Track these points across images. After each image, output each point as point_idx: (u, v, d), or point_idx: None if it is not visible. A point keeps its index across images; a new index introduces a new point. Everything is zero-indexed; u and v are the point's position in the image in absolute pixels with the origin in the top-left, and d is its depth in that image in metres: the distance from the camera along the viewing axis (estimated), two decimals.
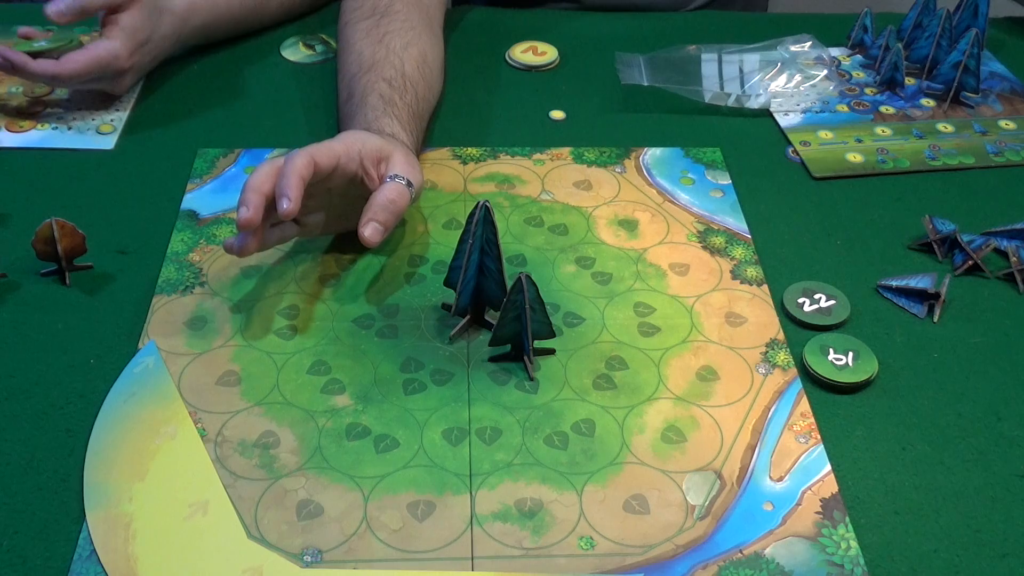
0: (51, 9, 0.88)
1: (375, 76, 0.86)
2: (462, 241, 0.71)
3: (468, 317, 0.73)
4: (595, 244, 0.82)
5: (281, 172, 0.69)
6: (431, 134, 0.94)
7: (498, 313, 0.69)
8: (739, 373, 0.71)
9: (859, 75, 1.05)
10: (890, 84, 1.02)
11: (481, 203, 0.68)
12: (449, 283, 0.74)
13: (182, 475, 0.63)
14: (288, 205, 0.68)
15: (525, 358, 0.71)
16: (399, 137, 0.80)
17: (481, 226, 0.69)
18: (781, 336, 0.74)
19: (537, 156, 0.91)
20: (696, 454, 0.66)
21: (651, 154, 0.92)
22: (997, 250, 0.82)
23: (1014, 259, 0.80)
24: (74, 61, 0.89)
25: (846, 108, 0.99)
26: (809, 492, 0.64)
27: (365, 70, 0.87)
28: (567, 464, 0.65)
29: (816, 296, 0.77)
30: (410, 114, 0.85)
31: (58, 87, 0.95)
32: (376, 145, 0.76)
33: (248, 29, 1.07)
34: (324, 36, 1.08)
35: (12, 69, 0.88)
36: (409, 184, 0.75)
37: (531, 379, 0.70)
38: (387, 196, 0.73)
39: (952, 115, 0.99)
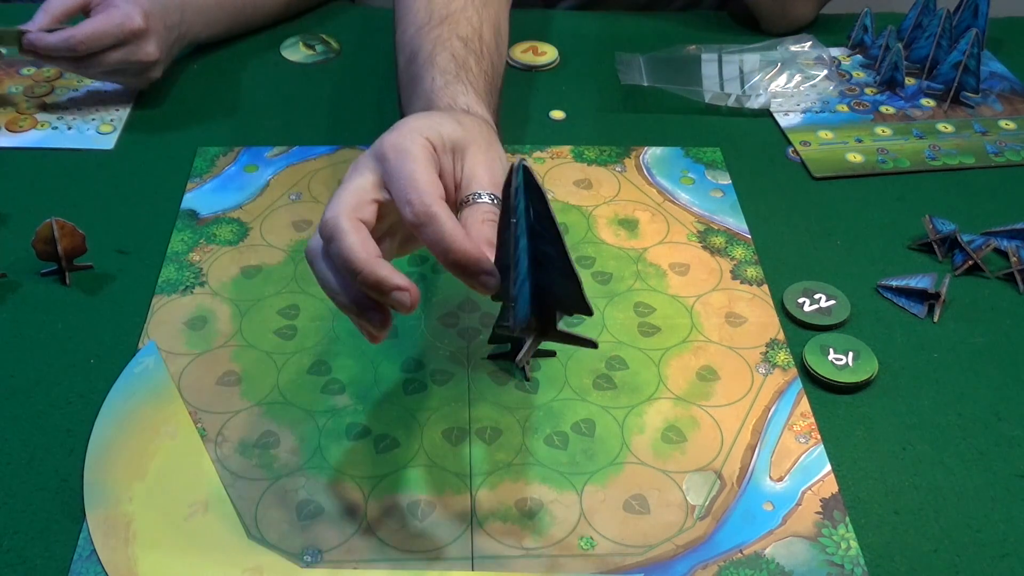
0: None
1: (448, 31, 0.70)
2: (501, 230, 0.52)
3: (535, 332, 0.55)
4: (595, 243, 0.82)
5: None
6: None
7: (571, 319, 0.55)
8: (739, 373, 0.71)
9: (859, 75, 1.05)
10: (890, 84, 1.02)
11: (518, 163, 0.48)
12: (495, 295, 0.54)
13: (182, 475, 0.63)
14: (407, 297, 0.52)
15: (520, 356, 0.59)
16: (475, 111, 0.63)
17: (523, 197, 0.48)
18: (781, 336, 0.74)
19: (537, 154, 0.91)
20: (696, 454, 0.66)
21: (651, 153, 0.92)
22: (997, 250, 0.82)
23: (1014, 259, 0.80)
24: (88, 23, 0.87)
25: (846, 108, 0.99)
26: (809, 492, 0.64)
27: (436, 22, 0.72)
28: (567, 464, 0.65)
29: (816, 296, 0.77)
30: (487, 84, 0.68)
31: (77, 63, 0.89)
32: (448, 134, 0.58)
33: (246, 18, 1.06)
34: (324, 36, 1.08)
35: (34, 51, 0.87)
36: (495, 199, 0.56)
37: (527, 379, 0.70)
38: (485, 236, 0.54)
39: (952, 115, 0.99)
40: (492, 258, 0.53)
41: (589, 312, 0.53)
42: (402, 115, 0.67)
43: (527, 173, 0.47)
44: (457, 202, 0.56)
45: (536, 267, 0.52)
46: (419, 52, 0.71)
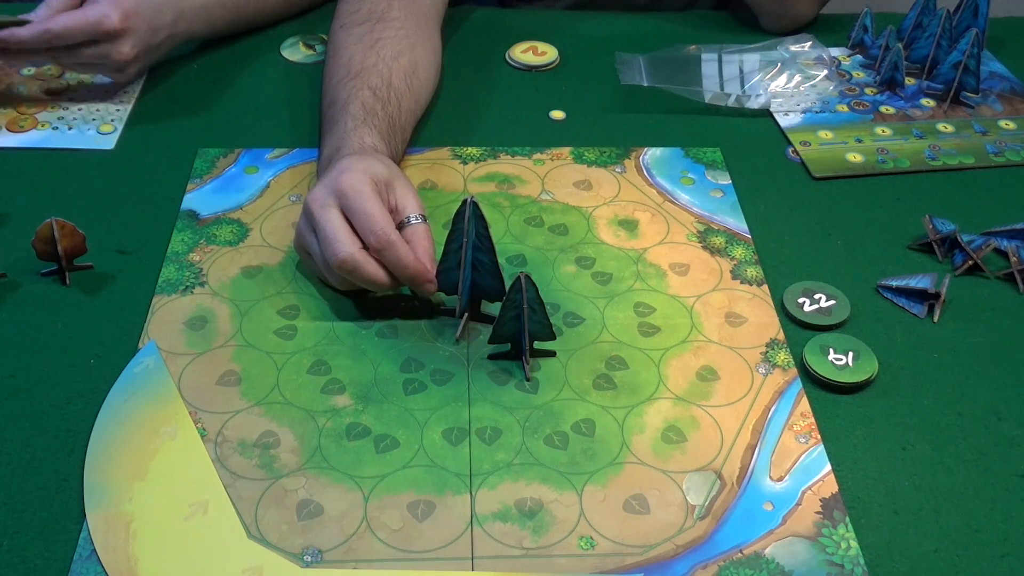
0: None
1: (360, 83, 0.85)
2: (452, 241, 0.70)
3: (467, 315, 0.73)
4: (595, 244, 0.82)
5: (406, 265, 0.70)
6: (432, 134, 0.94)
7: (495, 305, 0.69)
8: (739, 373, 0.71)
9: (859, 75, 1.05)
10: (890, 84, 1.02)
11: (469, 200, 0.68)
12: (444, 286, 0.72)
13: (182, 475, 0.63)
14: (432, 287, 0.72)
15: (523, 358, 0.71)
16: (379, 149, 0.80)
17: (473, 223, 0.68)
18: (781, 336, 0.74)
19: (537, 156, 0.91)
20: (696, 454, 0.66)
21: (651, 154, 0.92)
22: (997, 250, 0.82)
23: (1014, 259, 0.80)
24: (64, 17, 0.88)
25: (846, 108, 0.99)
26: (809, 492, 0.64)
27: (352, 76, 0.86)
28: (567, 464, 0.65)
29: (816, 296, 0.77)
30: (390, 125, 0.83)
31: (54, 54, 0.90)
32: (380, 173, 0.74)
33: (247, 16, 1.06)
34: (324, 36, 1.08)
35: (6, 48, 0.88)
36: (423, 218, 0.74)
37: (527, 379, 0.70)
38: (427, 247, 0.72)
39: (952, 115, 0.99)
40: (434, 267, 0.71)
41: (501, 299, 0.69)
42: (320, 146, 0.84)
43: (475, 207, 0.68)
44: (396, 223, 0.73)
45: (473, 270, 0.71)
46: (337, 100, 0.85)
